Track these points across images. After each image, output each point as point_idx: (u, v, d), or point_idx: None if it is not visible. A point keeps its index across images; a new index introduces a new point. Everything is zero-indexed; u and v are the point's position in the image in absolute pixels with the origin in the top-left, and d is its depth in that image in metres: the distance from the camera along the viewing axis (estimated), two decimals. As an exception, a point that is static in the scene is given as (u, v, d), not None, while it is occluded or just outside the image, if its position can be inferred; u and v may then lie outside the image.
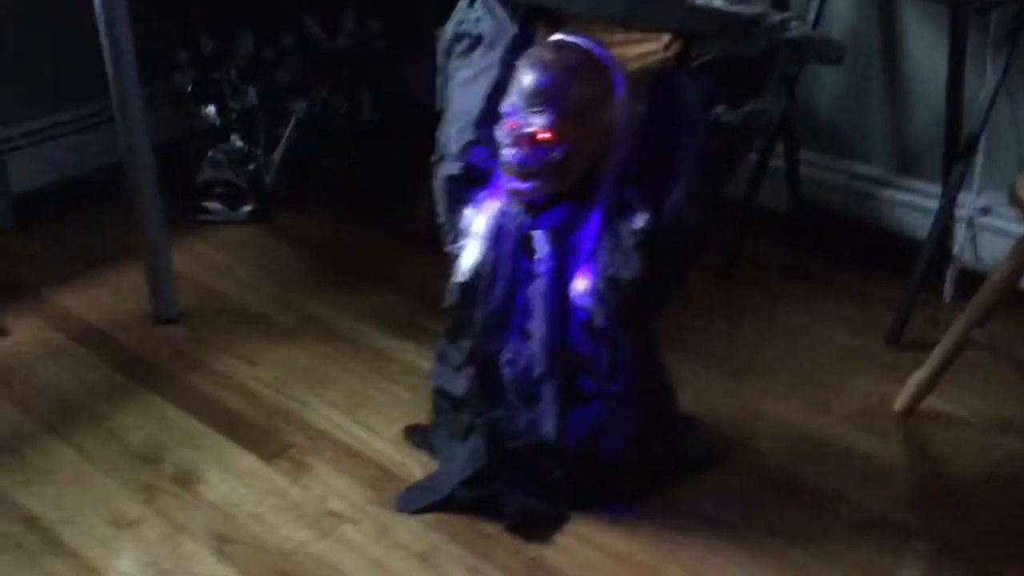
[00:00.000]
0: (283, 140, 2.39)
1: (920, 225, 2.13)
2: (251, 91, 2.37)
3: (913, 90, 2.06)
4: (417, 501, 1.52)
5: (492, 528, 1.49)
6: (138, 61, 1.76)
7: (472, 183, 1.46)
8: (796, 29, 1.25)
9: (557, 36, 1.36)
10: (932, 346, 1.90)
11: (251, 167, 2.34)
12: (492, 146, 1.44)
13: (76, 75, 2.26)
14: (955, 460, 1.67)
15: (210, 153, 2.30)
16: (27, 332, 1.94)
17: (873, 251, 2.14)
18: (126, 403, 1.75)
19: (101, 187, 2.39)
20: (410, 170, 2.54)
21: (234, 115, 2.32)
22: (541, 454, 1.51)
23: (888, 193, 2.17)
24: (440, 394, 1.61)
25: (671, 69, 1.32)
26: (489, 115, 1.43)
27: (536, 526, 1.48)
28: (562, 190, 1.36)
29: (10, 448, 1.64)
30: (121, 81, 1.75)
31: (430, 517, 1.51)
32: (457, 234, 1.49)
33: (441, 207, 1.51)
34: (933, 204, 2.05)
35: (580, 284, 1.39)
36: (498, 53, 1.43)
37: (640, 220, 1.32)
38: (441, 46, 1.52)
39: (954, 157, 1.82)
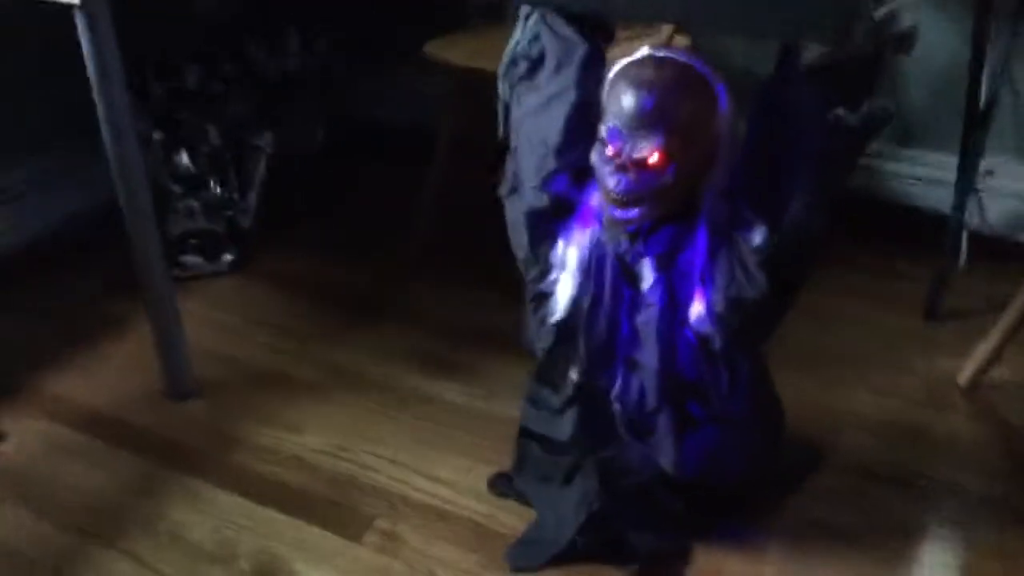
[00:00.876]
0: (257, 178, 2.22)
1: (923, 195, 2.17)
2: (212, 130, 2.18)
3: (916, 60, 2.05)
4: (534, 556, 1.42)
5: (618, 572, 1.41)
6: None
7: (555, 215, 1.37)
8: (899, 20, 1.21)
9: (648, 50, 1.27)
10: (969, 315, 1.95)
11: (228, 212, 2.16)
12: (573, 174, 1.36)
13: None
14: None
15: (183, 203, 2.11)
16: (26, 431, 1.72)
17: (883, 225, 2.15)
18: (172, 496, 1.57)
19: (62, 247, 2.17)
20: (386, 194, 2.48)
21: (204, 159, 2.13)
22: (660, 487, 1.43)
23: (891, 166, 2.19)
24: (531, 438, 1.52)
25: (780, 74, 1.25)
26: (570, 142, 1.34)
27: (667, 563, 1.41)
28: (668, 213, 1.28)
29: (55, 571, 1.45)
30: (115, 127, 1.55)
31: (549, 571, 1.42)
32: (545, 270, 1.39)
33: (521, 243, 1.40)
34: (937, 174, 2.08)
35: (696, 309, 1.31)
36: (571, 74, 1.34)
37: (759, 235, 1.26)
38: (500, 71, 1.42)
39: (974, 125, 1.84)
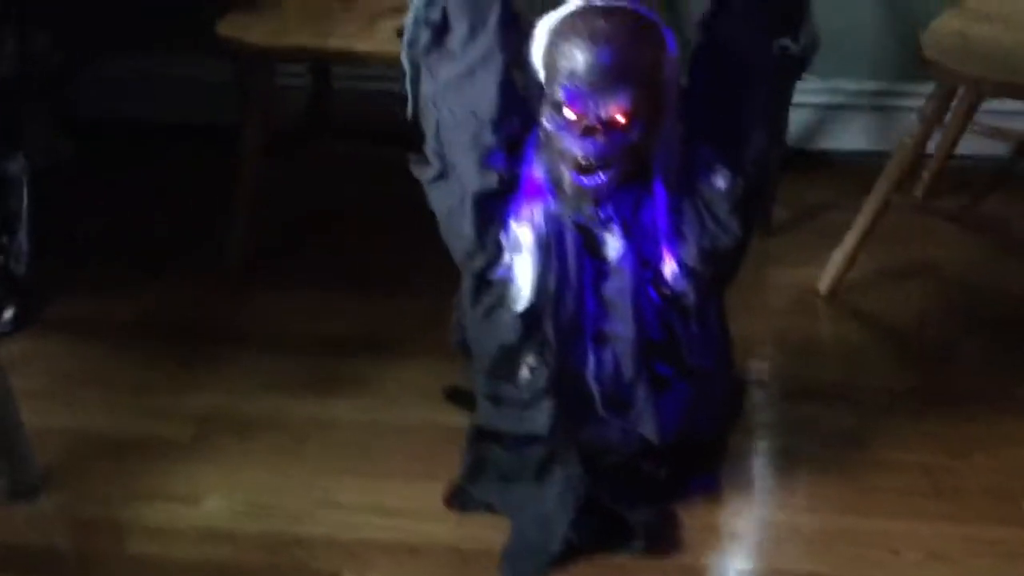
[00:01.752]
0: (22, 213, 1.82)
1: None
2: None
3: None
4: (531, 568, 1.31)
5: (621, 559, 1.34)
6: None
7: (502, 194, 1.23)
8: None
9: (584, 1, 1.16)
10: (798, 226, 2.05)
11: (-4, 261, 1.76)
12: (508, 147, 1.23)
13: None
14: (887, 316, 1.84)
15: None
16: None
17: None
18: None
19: None
20: (173, 202, 2.14)
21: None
22: (642, 459, 1.37)
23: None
24: (490, 439, 1.39)
25: (722, 8, 1.20)
26: (505, 112, 1.21)
27: (664, 532, 1.36)
28: (628, 172, 1.20)
29: None
30: None
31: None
32: (494, 256, 1.26)
33: (463, 231, 1.25)
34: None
35: (668, 267, 1.25)
36: (491, 37, 1.20)
37: (722, 179, 1.21)
38: (404, 43, 1.24)
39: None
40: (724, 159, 1.21)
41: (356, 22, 1.78)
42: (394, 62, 1.69)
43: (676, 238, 1.24)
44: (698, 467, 1.43)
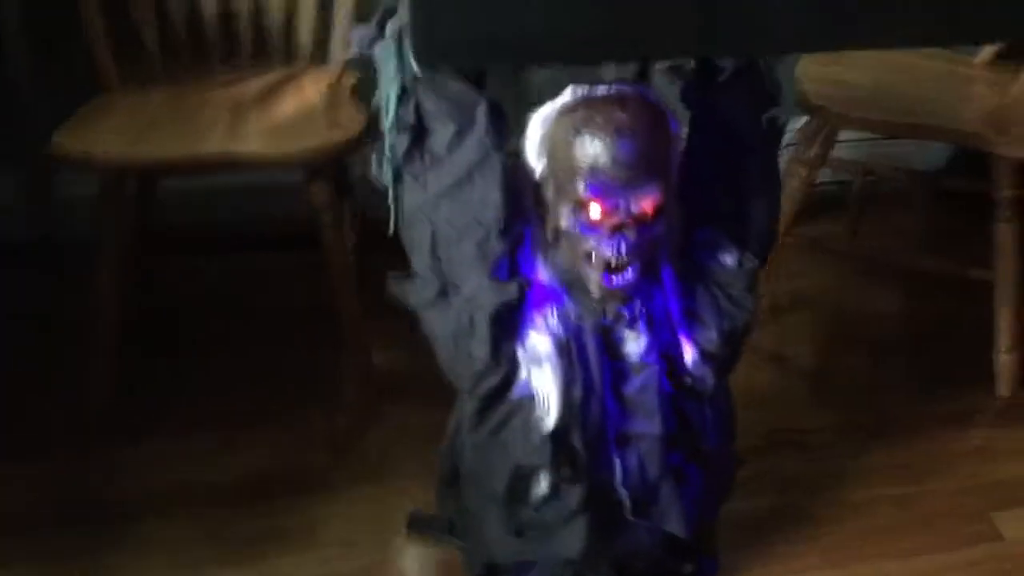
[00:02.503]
0: None
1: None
2: None
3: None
4: None
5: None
6: None
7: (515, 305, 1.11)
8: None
9: (589, 89, 1.07)
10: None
11: None
12: (512, 254, 1.12)
13: None
14: (788, 352, 1.90)
15: None
16: None
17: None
18: None
19: None
20: None
21: None
22: (669, 556, 1.29)
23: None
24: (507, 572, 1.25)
25: (702, 85, 1.15)
26: (511, 216, 1.10)
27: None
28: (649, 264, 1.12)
29: None
30: None
31: None
32: (510, 374, 1.13)
33: (478, 352, 1.11)
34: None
35: (690, 354, 1.18)
36: (483, 136, 1.07)
37: (730, 257, 1.17)
38: (384, 149, 1.08)
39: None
40: (729, 237, 1.17)
41: (218, 120, 1.57)
42: (289, 162, 1.54)
43: (693, 324, 1.18)
44: (709, 548, 1.38)
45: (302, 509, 1.49)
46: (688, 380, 1.19)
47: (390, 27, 1.06)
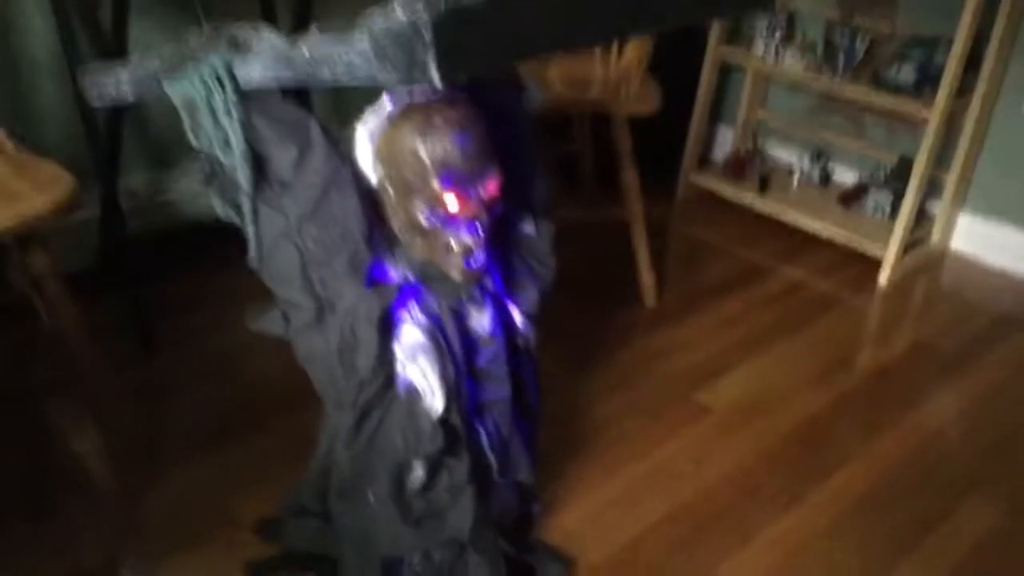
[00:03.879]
0: None
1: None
2: None
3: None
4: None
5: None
6: None
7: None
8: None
9: (418, 93, 1.12)
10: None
11: None
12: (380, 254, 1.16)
13: None
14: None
15: None
16: None
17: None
18: None
19: None
20: None
21: None
22: (523, 505, 1.42)
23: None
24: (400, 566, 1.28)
25: (509, 88, 1.26)
26: (371, 224, 1.13)
27: (561, 559, 1.45)
28: (483, 242, 1.23)
29: None
30: None
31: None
32: (391, 372, 1.17)
33: (363, 362, 1.13)
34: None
35: (518, 318, 1.31)
36: (328, 153, 1.09)
37: (529, 225, 1.31)
38: (239, 184, 1.04)
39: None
40: (524, 209, 1.32)
41: None
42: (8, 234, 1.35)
43: (516, 291, 1.31)
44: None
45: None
46: (521, 342, 1.33)
47: (209, 63, 1.04)
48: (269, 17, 1.99)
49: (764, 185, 2.65)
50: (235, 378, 1.82)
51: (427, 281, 1.19)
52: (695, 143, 2.73)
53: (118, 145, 1.81)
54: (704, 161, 2.85)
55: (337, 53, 0.95)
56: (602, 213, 2.20)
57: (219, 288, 2.06)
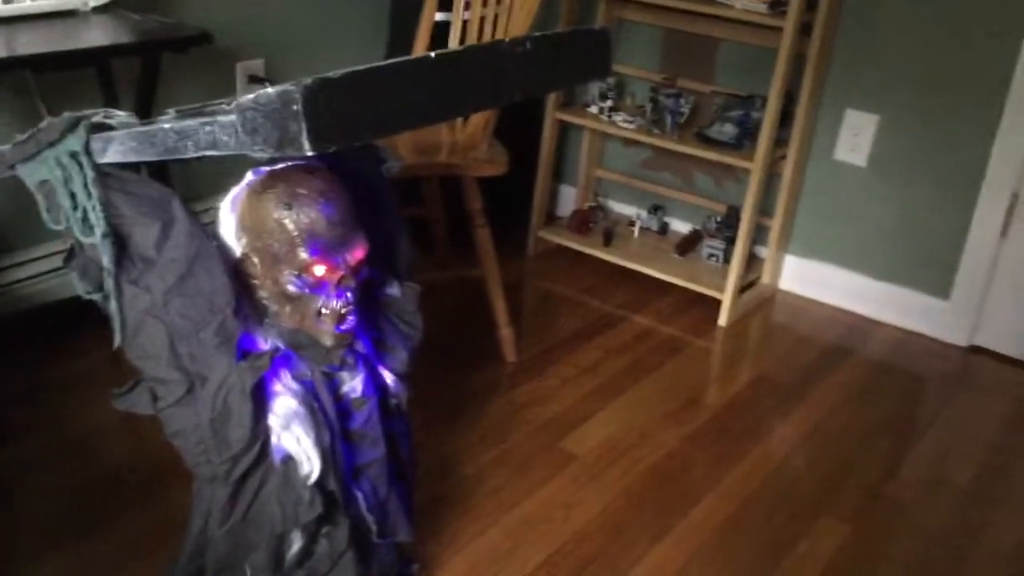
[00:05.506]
0: None
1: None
2: None
3: None
4: None
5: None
6: None
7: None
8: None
9: (277, 167, 1.15)
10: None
11: None
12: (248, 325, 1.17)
13: None
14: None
15: None
16: None
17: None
18: None
19: None
20: None
21: None
22: (403, 565, 1.44)
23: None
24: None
25: (377, 163, 1.31)
26: (237, 295, 1.14)
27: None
28: (351, 308, 1.26)
29: None
30: None
31: None
32: (266, 442, 1.17)
33: (237, 435, 1.13)
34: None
35: (389, 379, 1.34)
36: (190, 227, 1.11)
37: (394, 287, 1.35)
38: (105, 262, 1.03)
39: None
40: (389, 272, 1.36)
41: None
42: None
43: (385, 352, 1.35)
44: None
45: None
46: (393, 402, 1.36)
47: (66, 146, 1.05)
48: (112, 106, 1.97)
49: (608, 238, 2.79)
50: (95, 463, 1.75)
51: (298, 348, 1.21)
52: (541, 201, 2.84)
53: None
54: (551, 217, 2.97)
55: (203, 128, 0.98)
56: (457, 272, 2.26)
57: (71, 372, 1.99)
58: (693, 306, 2.61)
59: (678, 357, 2.39)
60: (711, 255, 2.74)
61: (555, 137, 2.80)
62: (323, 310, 1.19)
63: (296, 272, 1.16)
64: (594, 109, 2.71)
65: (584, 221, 2.86)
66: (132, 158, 1.07)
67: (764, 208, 2.63)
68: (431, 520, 1.70)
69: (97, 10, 1.91)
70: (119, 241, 1.08)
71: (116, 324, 1.09)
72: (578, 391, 2.18)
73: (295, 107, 0.86)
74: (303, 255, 1.16)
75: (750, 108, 2.52)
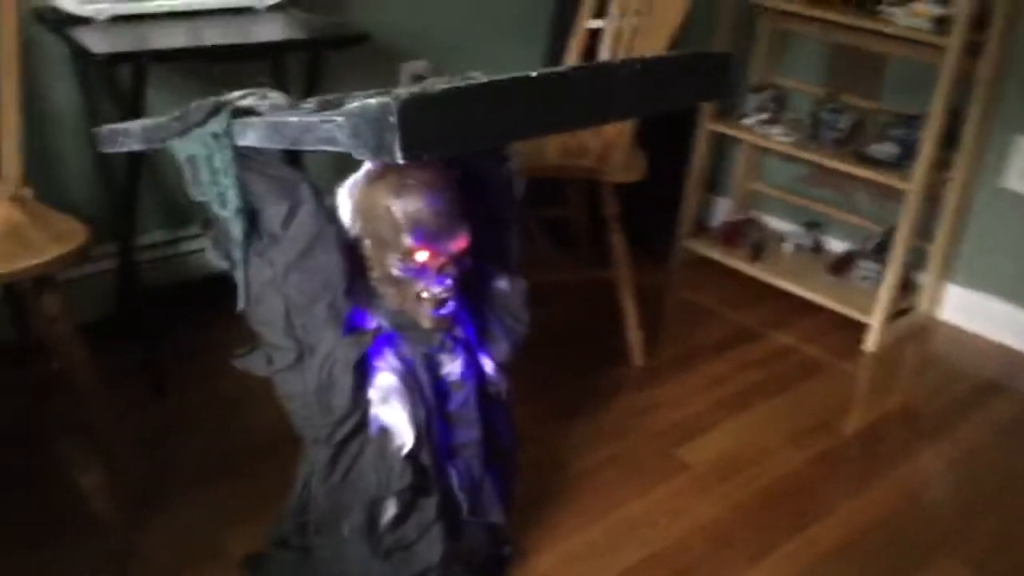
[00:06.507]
0: None
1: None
2: None
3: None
4: None
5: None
6: None
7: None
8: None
9: (386, 162, 1.24)
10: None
11: None
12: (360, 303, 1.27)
13: None
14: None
15: None
16: None
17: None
18: None
19: None
20: None
21: None
22: (494, 546, 1.50)
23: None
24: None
25: (497, 163, 1.38)
26: (352, 278, 1.24)
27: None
28: (455, 295, 1.33)
29: None
30: None
31: None
32: (364, 414, 1.26)
33: (339, 403, 1.23)
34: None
35: (489, 367, 1.41)
36: (313, 210, 1.21)
37: (503, 281, 1.41)
38: (231, 236, 1.15)
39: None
40: (499, 267, 1.42)
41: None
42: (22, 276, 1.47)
43: (488, 342, 1.41)
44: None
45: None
46: (492, 389, 1.42)
47: (210, 128, 1.16)
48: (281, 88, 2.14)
49: (757, 253, 2.74)
50: (237, 421, 1.91)
51: (400, 328, 1.29)
52: (689, 210, 2.83)
53: (134, 202, 1.94)
54: (701, 228, 2.95)
55: (322, 126, 1.06)
56: (591, 274, 2.29)
57: (226, 337, 2.16)
58: (840, 329, 2.53)
59: (815, 379, 2.32)
60: (865, 277, 2.64)
61: (709, 148, 2.78)
62: (423, 294, 1.26)
63: (400, 256, 1.24)
64: (749, 121, 2.67)
65: (734, 234, 2.82)
66: (265, 144, 1.17)
67: (925, 233, 2.52)
68: (536, 509, 1.75)
69: (271, 8, 2.08)
70: (250, 217, 1.19)
71: (240, 291, 1.21)
72: (703, 402, 2.17)
73: (391, 119, 0.92)
74: (407, 241, 1.23)
75: (914, 128, 2.41)
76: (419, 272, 1.25)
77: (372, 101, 0.96)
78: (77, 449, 1.71)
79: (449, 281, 1.27)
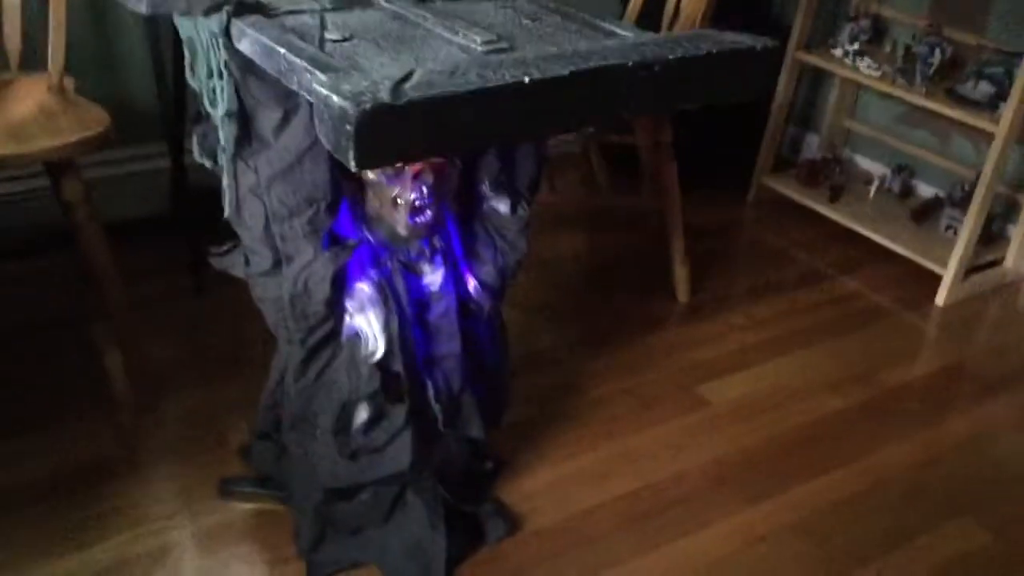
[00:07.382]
0: None
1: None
2: None
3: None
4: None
5: (492, 550, 1.50)
6: None
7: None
8: None
9: None
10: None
11: None
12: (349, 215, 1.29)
13: None
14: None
15: None
16: None
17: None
18: None
19: None
20: None
21: None
22: (472, 459, 1.52)
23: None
24: (340, 497, 1.41)
25: None
26: (337, 192, 1.26)
27: (506, 516, 1.54)
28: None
29: None
30: None
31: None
32: (339, 321, 1.29)
33: (313, 310, 1.27)
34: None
35: (471, 284, 1.41)
36: (306, 121, 1.20)
37: (505, 206, 1.39)
38: (222, 140, 1.19)
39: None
40: (503, 190, 1.40)
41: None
42: (42, 158, 1.55)
43: (473, 260, 1.41)
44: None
45: (117, 494, 1.54)
46: (472, 305, 1.43)
47: (209, 24, 1.16)
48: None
49: (836, 194, 2.61)
50: (263, 322, 1.99)
51: (378, 232, 1.30)
52: (769, 146, 2.71)
53: (183, 102, 2.00)
54: (788, 164, 2.82)
55: (304, 74, 1.02)
56: (640, 203, 2.24)
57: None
58: (914, 279, 2.39)
59: (871, 328, 2.21)
60: (949, 226, 2.47)
61: (794, 79, 2.63)
62: (398, 200, 1.27)
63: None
64: (839, 52, 2.51)
65: (814, 173, 2.68)
66: (256, 59, 1.16)
67: (1020, 183, 2.33)
68: (537, 431, 1.76)
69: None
70: (243, 119, 1.21)
71: (227, 195, 1.24)
72: (740, 341, 2.10)
73: (348, 127, 0.88)
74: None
75: (1012, 66, 2.22)
76: (394, 178, 1.26)
77: (336, 99, 0.90)
78: (108, 333, 1.81)
79: (424, 188, 1.27)
